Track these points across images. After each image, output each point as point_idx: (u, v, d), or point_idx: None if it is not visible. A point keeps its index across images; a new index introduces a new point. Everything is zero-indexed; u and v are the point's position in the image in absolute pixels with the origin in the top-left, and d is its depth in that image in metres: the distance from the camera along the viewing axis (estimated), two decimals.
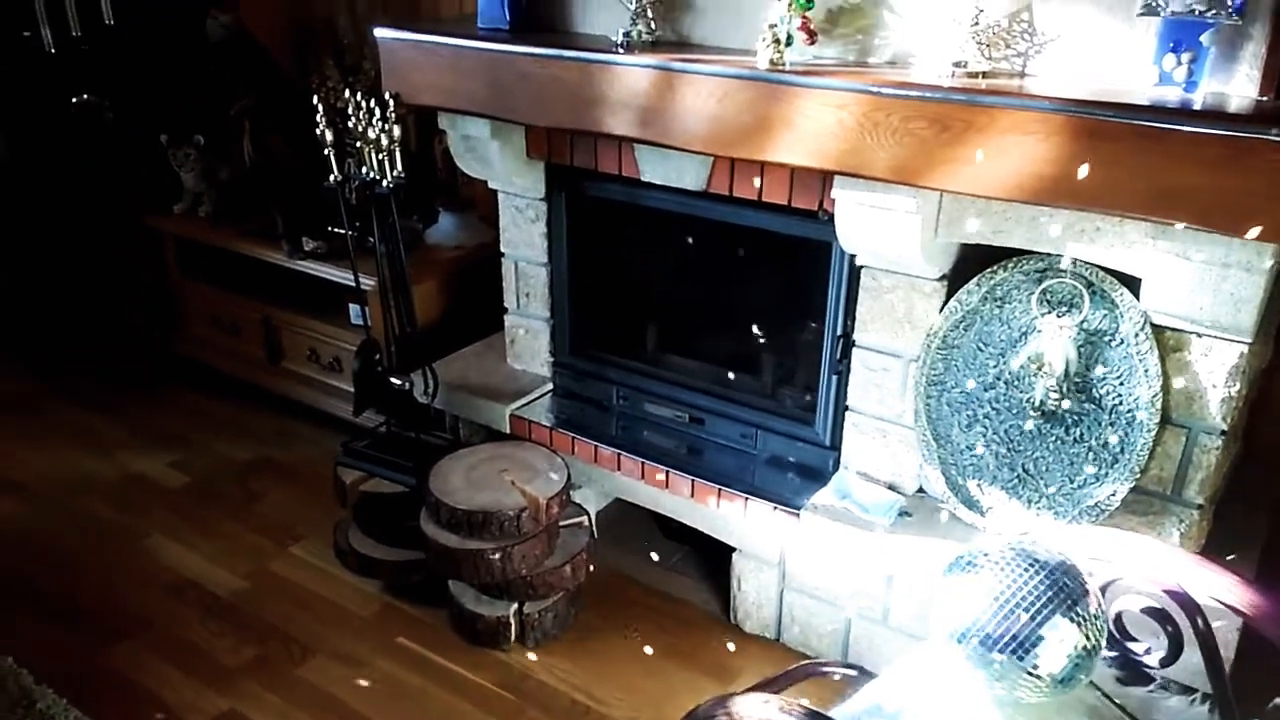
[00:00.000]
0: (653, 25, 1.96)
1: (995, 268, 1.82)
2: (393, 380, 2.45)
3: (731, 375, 2.31)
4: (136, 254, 3.20)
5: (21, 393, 3.19)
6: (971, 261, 1.87)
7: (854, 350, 2.03)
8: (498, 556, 2.07)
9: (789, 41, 1.75)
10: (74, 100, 3.13)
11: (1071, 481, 1.81)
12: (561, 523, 2.22)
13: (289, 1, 3.20)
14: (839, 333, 2.05)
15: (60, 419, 3.05)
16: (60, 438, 2.94)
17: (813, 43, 1.77)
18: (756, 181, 1.98)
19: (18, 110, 3.18)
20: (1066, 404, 1.77)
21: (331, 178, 2.27)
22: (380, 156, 2.22)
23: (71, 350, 3.33)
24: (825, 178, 1.84)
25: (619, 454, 2.34)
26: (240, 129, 3.13)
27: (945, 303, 1.89)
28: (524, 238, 2.49)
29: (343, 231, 2.53)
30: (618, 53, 1.91)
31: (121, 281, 3.26)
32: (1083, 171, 1.46)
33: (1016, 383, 1.84)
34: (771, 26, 1.74)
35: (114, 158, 3.15)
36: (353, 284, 2.55)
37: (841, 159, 1.69)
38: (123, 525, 2.55)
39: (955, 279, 1.89)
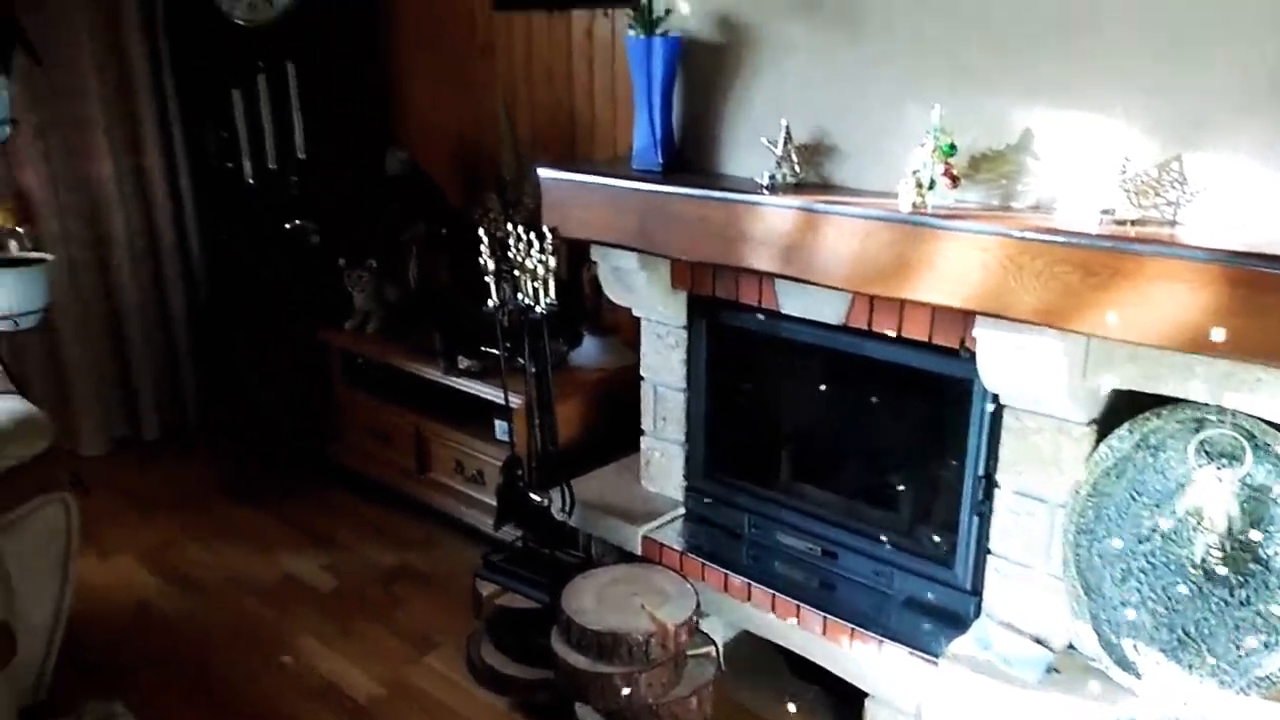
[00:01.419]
0: (797, 169, 2.05)
1: (1149, 414, 1.76)
2: (532, 496, 2.53)
3: (867, 510, 2.28)
4: (307, 364, 3.47)
5: (199, 488, 3.45)
6: (1123, 405, 1.81)
7: (997, 492, 1.98)
8: (625, 683, 2.07)
9: (931, 185, 1.80)
10: (286, 225, 3.49)
11: (1237, 649, 1.68)
12: (689, 651, 2.21)
13: (459, 140, 3.49)
14: (981, 473, 2.01)
15: (228, 515, 3.27)
16: (226, 533, 3.16)
17: (955, 187, 1.81)
18: (896, 317, 2.00)
19: (223, 231, 3.56)
20: (1228, 565, 1.66)
21: (490, 303, 2.42)
22: (535, 285, 2.37)
23: (244, 449, 3.60)
24: (967, 316, 1.85)
25: (749, 584, 2.32)
26: (408, 254, 3.41)
27: (1095, 448, 1.83)
28: (664, 363, 2.57)
29: (495, 352, 2.68)
30: (763, 194, 2.00)
31: (292, 389, 3.53)
32: (1238, 323, 1.42)
33: (1174, 537, 1.75)
34: (914, 172, 1.79)
35: (310, 276, 3.45)
36: (501, 401, 2.69)
37: (984, 300, 1.70)
38: (274, 623, 2.69)
39: (1106, 423, 1.84)
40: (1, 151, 2.92)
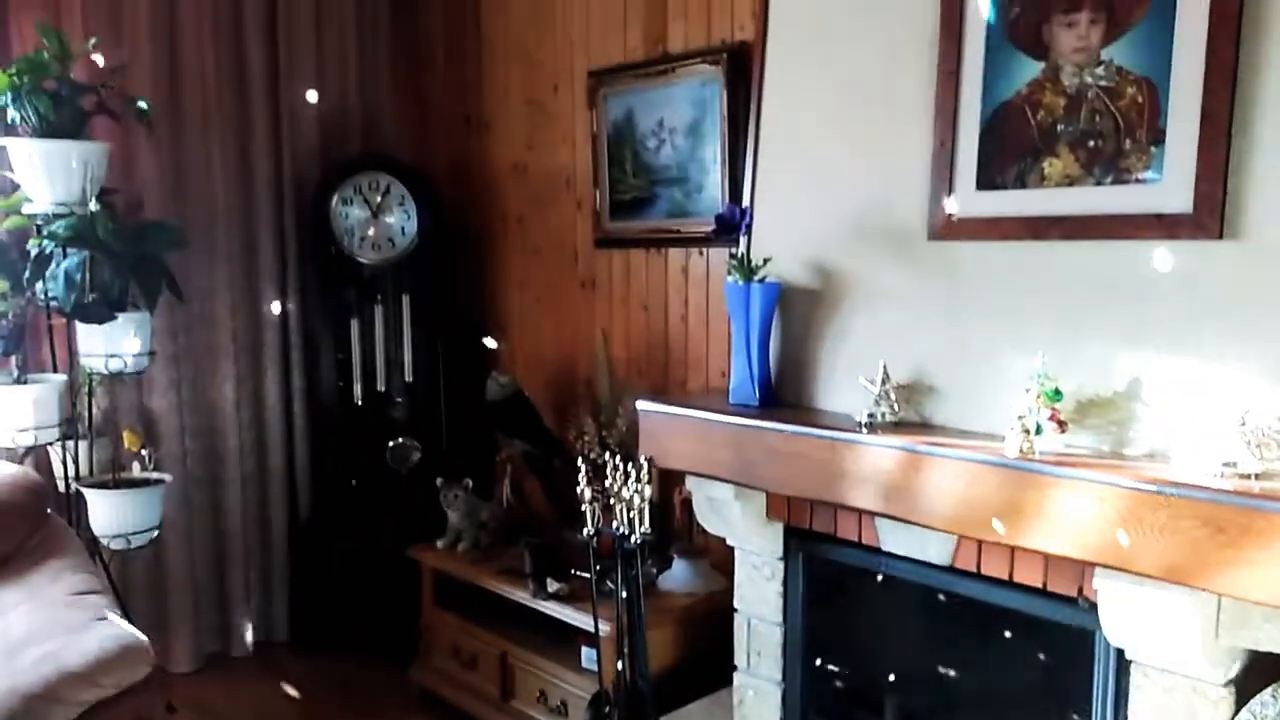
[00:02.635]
0: (895, 407, 2.06)
1: None
2: None
3: None
4: (398, 583, 3.48)
5: (283, 709, 3.40)
6: (1267, 664, 1.69)
7: None
8: None
9: (1038, 430, 1.79)
10: (390, 444, 3.63)
11: None
12: None
13: (558, 365, 3.63)
14: None
15: None
16: None
17: (1063, 432, 1.79)
18: (1007, 561, 1.94)
19: (329, 450, 3.70)
20: None
21: (585, 531, 2.43)
22: (631, 514, 2.38)
23: (330, 668, 3.57)
24: (1085, 564, 1.78)
25: None
26: (502, 473, 3.48)
27: (1236, 712, 1.69)
28: (758, 595, 2.51)
29: (586, 575, 2.66)
30: (862, 432, 2.01)
31: (382, 608, 3.53)
32: None
33: None
34: (1020, 417, 1.79)
35: (408, 494, 3.54)
36: (590, 628, 2.63)
37: (1102, 552, 1.64)
38: None
39: (1246, 684, 1.71)
40: (138, 379, 3.14)
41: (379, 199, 3.55)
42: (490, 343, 3.78)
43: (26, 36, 2.96)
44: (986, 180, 1.98)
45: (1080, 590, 1.84)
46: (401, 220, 3.56)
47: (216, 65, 3.36)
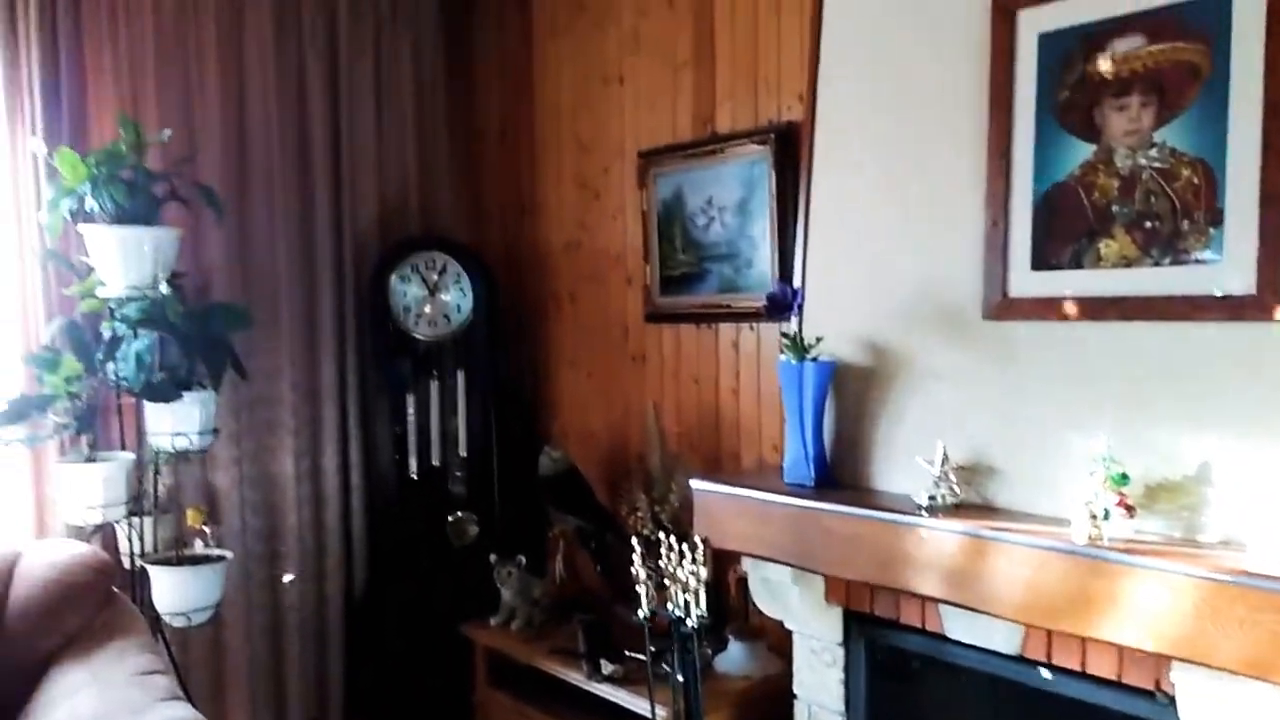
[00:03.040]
0: (956, 489, 2.03)
1: None
2: None
3: None
4: (452, 660, 3.47)
5: None
6: None
7: None
8: None
9: (1106, 516, 1.75)
10: (449, 518, 3.66)
11: None
12: None
13: (609, 439, 3.65)
14: None
15: None
16: None
17: (1132, 517, 1.75)
18: (1079, 652, 1.88)
19: (385, 524, 3.74)
20: None
21: (640, 612, 2.41)
22: (686, 595, 2.36)
23: None
24: (1161, 656, 1.72)
25: None
26: (555, 550, 3.47)
27: None
28: (818, 681, 2.45)
29: (641, 657, 2.63)
30: (922, 515, 1.98)
31: (435, 686, 3.52)
32: None
33: None
34: (1087, 502, 1.75)
35: (461, 570, 3.55)
36: (646, 713, 2.59)
37: (1178, 644, 1.58)
38: None
39: None
40: (201, 456, 3.21)
41: (435, 277, 3.64)
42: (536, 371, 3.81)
43: (105, 126, 3.10)
44: (1041, 260, 1.97)
45: (1158, 683, 1.77)
46: (457, 298, 3.63)
47: (282, 151, 3.49)
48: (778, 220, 2.96)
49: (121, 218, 2.81)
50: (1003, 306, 2.03)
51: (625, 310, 3.53)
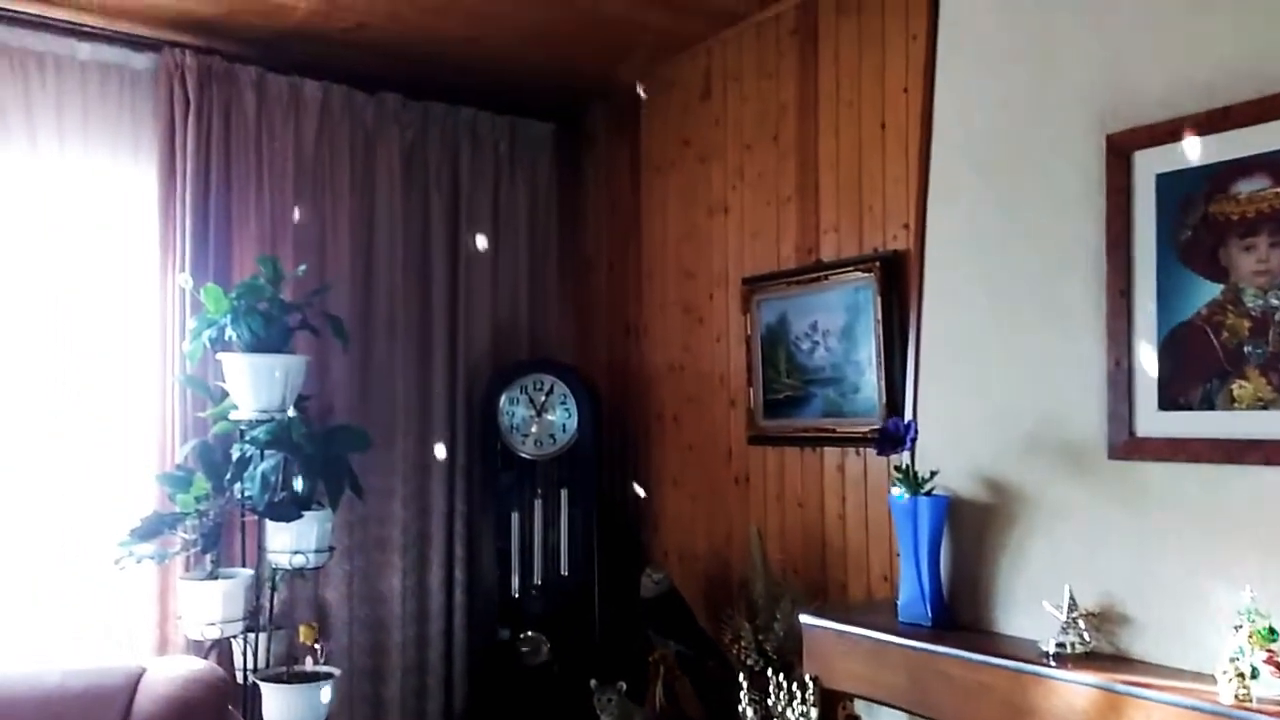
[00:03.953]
0: (1086, 637, 1.94)
1: None
2: None
3: None
4: None
5: None
6: None
7: None
8: None
9: (1254, 674, 1.64)
10: (520, 635, 3.65)
11: None
12: None
13: (710, 562, 3.61)
14: None
15: None
16: None
17: None
18: None
19: (492, 641, 3.75)
20: None
21: None
22: None
23: None
24: None
25: None
26: (655, 676, 3.41)
27: None
28: None
29: None
30: (1050, 664, 1.90)
31: None
32: None
33: None
34: (1232, 660, 1.65)
35: (563, 690, 3.52)
36: None
37: None
38: None
39: None
40: (315, 574, 3.31)
41: (543, 398, 3.73)
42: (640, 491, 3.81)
43: (246, 262, 3.33)
44: (1169, 400, 1.92)
45: None
46: (563, 418, 3.71)
47: (404, 280, 3.69)
48: (883, 345, 2.96)
49: (257, 346, 2.99)
50: (1130, 446, 1.97)
51: (729, 432, 3.54)
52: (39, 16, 3.09)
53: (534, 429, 3.72)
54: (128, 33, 3.22)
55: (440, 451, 3.72)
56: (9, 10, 3.04)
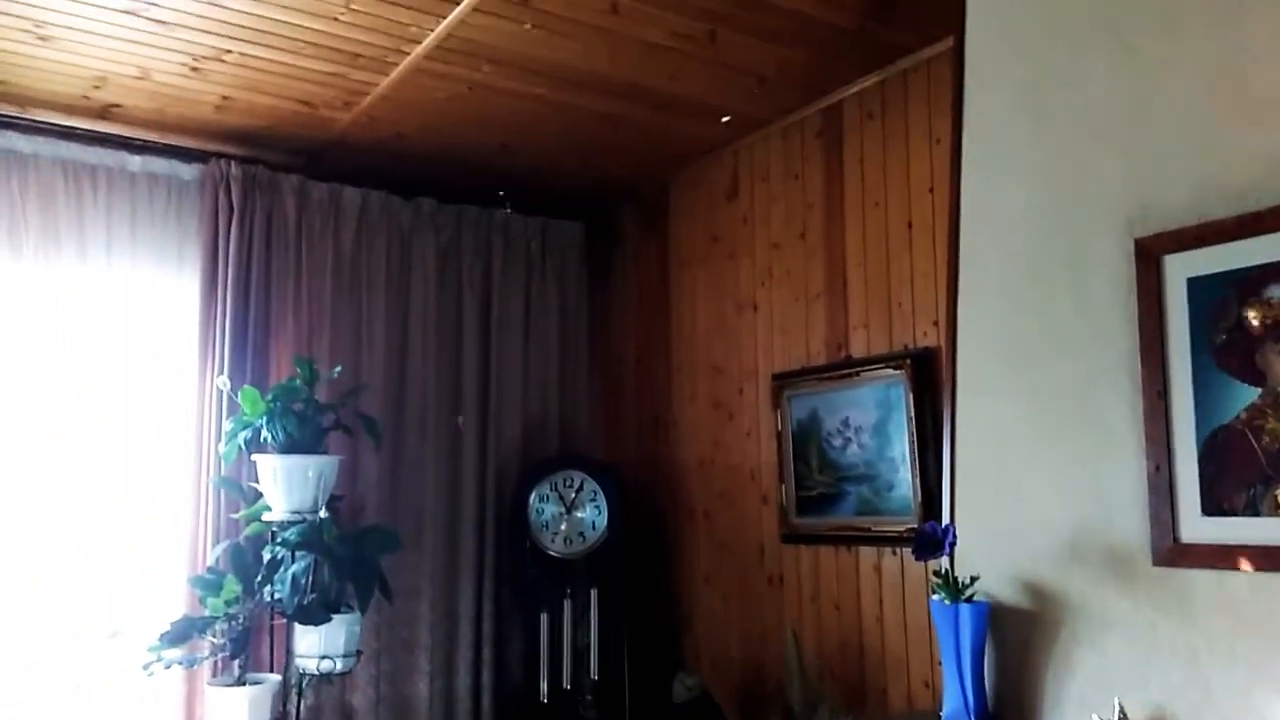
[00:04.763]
0: None
1: None
2: None
3: None
4: None
5: None
6: None
7: None
8: None
9: None
10: None
11: None
12: None
13: (744, 664, 3.52)
14: None
15: None
16: None
17: None
18: None
19: None
20: None
21: None
22: None
23: None
24: None
25: None
26: None
27: None
28: None
29: None
30: None
31: None
32: None
33: None
34: None
35: None
36: None
37: None
38: None
39: None
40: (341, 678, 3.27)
41: (573, 495, 3.72)
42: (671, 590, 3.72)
43: (283, 365, 3.39)
44: (1213, 506, 1.88)
45: None
46: (593, 515, 3.69)
47: (436, 379, 3.74)
48: (917, 443, 2.93)
49: (291, 447, 3.02)
50: (1175, 553, 1.92)
51: (761, 529, 3.50)
52: (98, 132, 3.24)
53: (563, 526, 3.69)
54: (177, 145, 3.36)
55: (469, 551, 3.69)
56: (71, 127, 3.19)
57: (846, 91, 3.21)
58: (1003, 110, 2.38)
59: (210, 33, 2.70)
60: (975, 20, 2.43)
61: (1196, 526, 1.90)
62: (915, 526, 2.91)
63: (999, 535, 2.30)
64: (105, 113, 3.19)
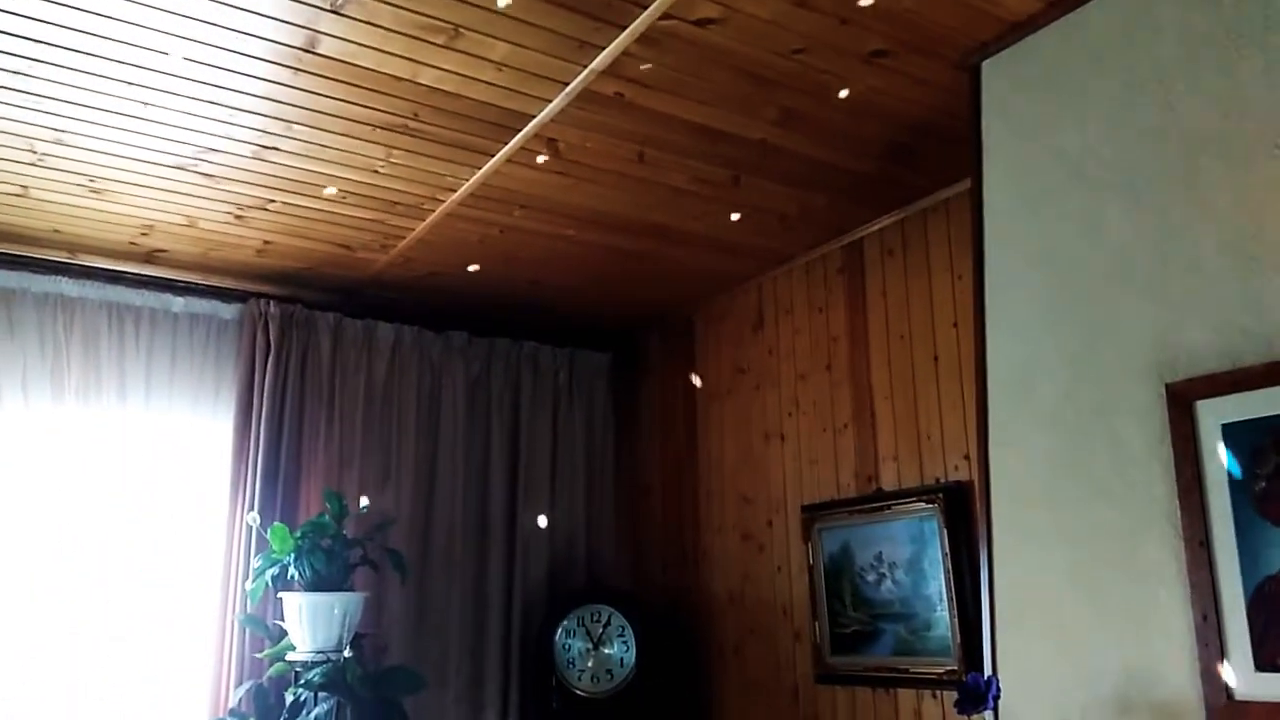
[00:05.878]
0: None
1: None
2: None
3: None
4: None
5: None
6: None
7: None
8: None
9: None
10: None
11: None
12: None
13: None
14: None
15: None
16: None
17: None
18: None
19: None
20: None
21: None
22: None
23: None
24: None
25: None
26: None
27: None
28: None
29: None
30: None
31: None
32: None
33: None
34: None
35: None
36: None
37: None
38: None
39: None
40: None
41: (600, 629, 3.64)
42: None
43: (313, 501, 3.40)
44: (1267, 660, 1.80)
45: None
46: (620, 651, 3.60)
47: (464, 511, 3.73)
48: (954, 581, 2.87)
49: (318, 584, 3.00)
50: (1231, 711, 1.83)
51: (794, 668, 3.39)
52: (144, 275, 3.36)
53: (590, 663, 3.61)
54: (219, 285, 3.47)
55: (494, 691, 3.60)
56: (118, 271, 3.31)
57: (867, 229, 3.28)
58: (1021, 256, 2.41)
59: (255, 184, 2.82)
60: (991, 167, 2.48)
61: (1252, 683, 1.82)
62: (954, 669, 2.82)
63: (1043, 687, 2.21)
64: (151, 257, 3.31)
